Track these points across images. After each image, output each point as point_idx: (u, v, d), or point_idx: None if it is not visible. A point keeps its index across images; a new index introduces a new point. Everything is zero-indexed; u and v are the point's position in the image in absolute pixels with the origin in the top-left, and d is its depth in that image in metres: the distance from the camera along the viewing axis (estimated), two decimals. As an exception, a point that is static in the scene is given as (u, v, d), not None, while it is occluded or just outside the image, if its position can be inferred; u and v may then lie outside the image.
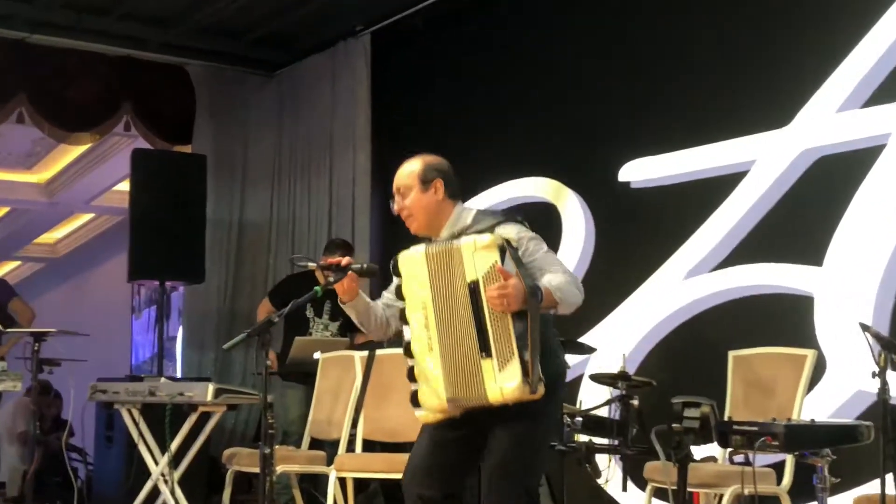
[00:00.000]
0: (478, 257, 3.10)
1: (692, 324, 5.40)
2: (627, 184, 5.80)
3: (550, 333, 3.30)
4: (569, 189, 6.15)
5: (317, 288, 3.35)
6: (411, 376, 3.24)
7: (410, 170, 3.39)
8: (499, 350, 3.07)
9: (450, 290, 3.14)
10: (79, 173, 10.59)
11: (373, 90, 7.36)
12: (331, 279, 3.31)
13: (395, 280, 3.33)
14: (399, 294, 3.28)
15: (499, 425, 3.18)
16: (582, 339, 5.46)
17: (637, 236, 5.76)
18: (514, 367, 3.05)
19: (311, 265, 3.45)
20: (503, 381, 3.05)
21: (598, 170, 5.97)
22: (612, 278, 5.80)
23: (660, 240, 5.60)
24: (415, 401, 3.23)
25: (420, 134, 7.17)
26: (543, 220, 6.21)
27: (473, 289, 3.10)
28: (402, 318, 3.26)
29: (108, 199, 11.35)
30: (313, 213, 7.74)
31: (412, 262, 3.23)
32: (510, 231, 3.24)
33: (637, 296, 5.66)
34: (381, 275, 3.49)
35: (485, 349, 3.08)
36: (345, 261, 3.35)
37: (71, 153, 10.16)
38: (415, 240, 3.40)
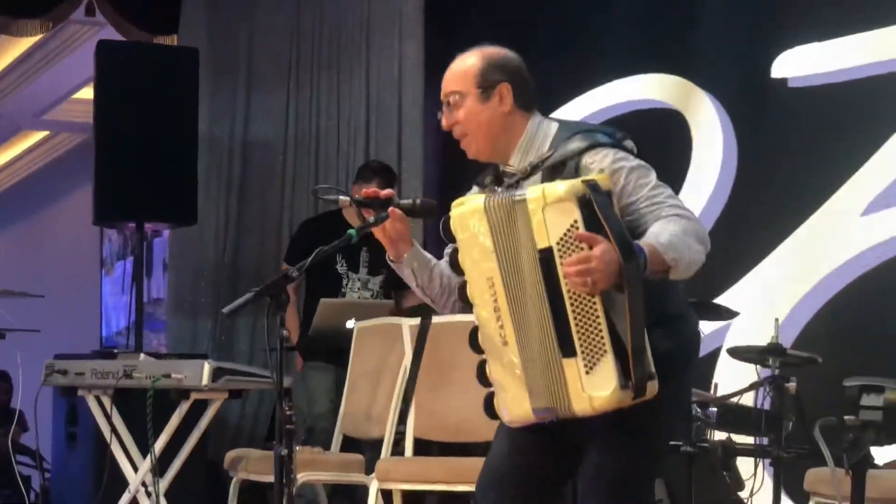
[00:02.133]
0: (550, 215, 3.01)
1: (873, 278, 5.35)
2: (784, 82, 5.74)
3: (672, 294, 3.27)
4: (702, 90, 6.11)
5: (351, 231, 3.33)
6: (483, 377, 3.22)
7: (464, 69, 3.33)
8: (584, 345, 3.01)
9: (517, 261, 3.08)
10: (26, 77, 10.72)
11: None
12: (370, 219, 3.31)
13: (449, 246, 3.28)
14: (455, 266, 3.22)
15: (598, 430, 3.18)
16: (719, 301, 5.44)
17: (796, 155, 5.70)
18: (607, 368, 2.99)
19: (343, 199, 3.46)
20: (592, 389, 3.01)
21: (742, 63, 5.91)
22: (760, 215, 5.76)
23: (829, 160, 5.54)
24: (490, 410, 3.23)
25: (494, 14, 7.13)
26: (666, 135, 6.19)
27: (546, 260, 3.02)
28: (463, 298, 3.22)
29: (67, 111, 11.48)
30: (344, 126, 7.76)
31: (469, 218, 3.16)
32: (604, 159, 3.18)
33: (795, 239, 5.62)
34: (441, 215, 3.49)
35: (565, 345, 3.03)
36: (385, 192, 3.33)
37: (14, 48, 10.29)
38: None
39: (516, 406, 3.15)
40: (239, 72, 8.15)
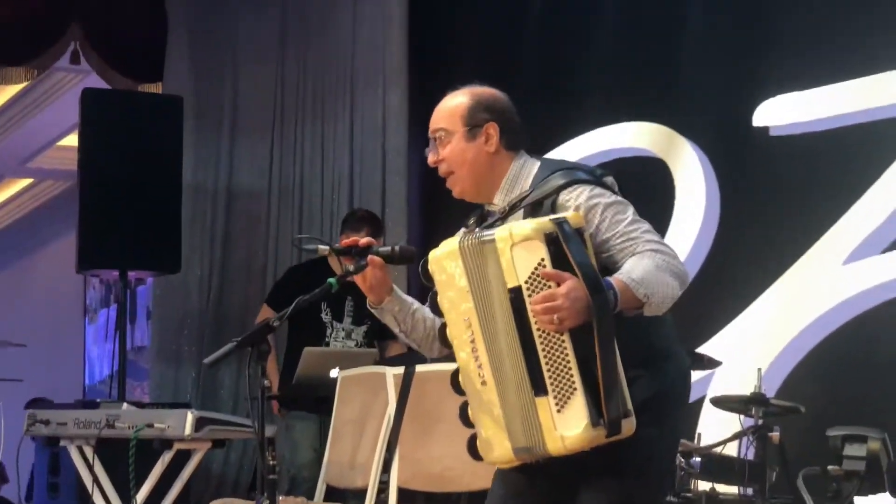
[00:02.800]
0: (518, 255, 3.03)
1: (855, 327, 5.36)
2: (765, 130, 5.76)
3: (659, 332, 3.26)
4: (684, 138, 6.13)
5: (331, 280, 3.35)
6: (465, 418, 3.24)
7: (452, 106, 3.35)
8: (555, 384, 3.02)
9: (490, 301, 3.10)
10: (11, 124, 10.73)
11: (412, 2, 7.38)
12: (350, 268, 3.32)
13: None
14: (435, 307, 3.25)
15: (592, 473, 3.17)
16: (701, 350, 5.44)
17: (779, 204, 5.72)
18: (578, 406, 3.00)
19: (323, 248, 3.46)
20: (563, 427, 3.02)
21: (725, 111, 5.95)
22: (743, 263, 5.78)
23: (811, 208, 5.56)
24: (473, 451, 3.23)
25: (478, 64, 7.16)
26: (649, 182, 6.20)
27: (515, 299, 3.03)
28: (443, 340, 3.25)
29: (51, 158, 11.48)
30: (328, 174, 7.77)
31: (445, 259, 3.18)
32: (580, 196, 3.18)
33: (779, 288, 5.63)
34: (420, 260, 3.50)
35: (536, 384, 3.04)
36: (363, 240, 3.34)
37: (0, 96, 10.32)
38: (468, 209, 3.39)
39: (498, 446, 3.15)
40: (223, 120, 8.18)
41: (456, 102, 3.35)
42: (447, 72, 7.35)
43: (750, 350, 5.62)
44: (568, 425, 3.02)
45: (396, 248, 3.36)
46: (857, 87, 5.44)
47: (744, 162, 5.89)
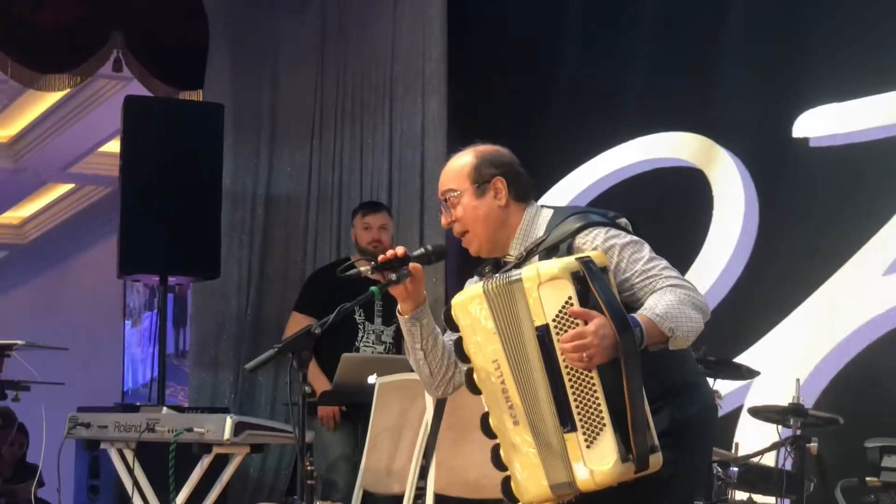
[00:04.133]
0: (545, 294, 3.08)
1: (894, 338, 5.33)
2: (805, 141, 5.75)
3: (683, 365, 3.30)
4: (722, 149, 6.12)
5: (374, 288, 3.38)
6: (497, 460, 3.24)
7: (458, 167, 3.41)
8: (584, 420, 3.06)
9: (521, 340, 3.13)
10: (53, 130, 10.80)
11: (451, 9, 7.39)
12: (392, 277, 3.34)
13: (452, 335, 3.33)
14: (461, 353, 3.27)
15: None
16: (740, 360, 5.43)
17: (818, 215, 5.70)
18: (607, 442, 3.03)
19: (365, 270, 3.46)
20: (593, 463, 3.05)
21: (764, 122, 5.92)
22: (782, 274, 5.76)
23: (850, 220, 5.54)
24: (508, 493, 3.24)
25: (518, 72, 7.17)
26: (687, 193, 6.20)
27: (543, 337, 3.08)
28: (471, 385, 3.25)
29: (92, 164, 11.55)
30: (367, 180, 7.79)
31: (469, 304, 3.21)
32: (596, 238, 3.25)
33: (817, 298, 5.61)
34: (457, 261, 3.51)
35: (566, 420, 3.07)
36: (400, 251, 3.35)
37: (42, 102, 10.37)
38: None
39: (534, 485, 3.17)
40: (263, 127, 8.21)
41: (462, 163, 3.42)
42: (487, 80, 7.36)
43: (788, 360, 5.60)
44: (598, 460, 3.05)
45: (428, 247, 3.43)
46: (898, 98, 5.43)
47: (783, 173, 5.88)
